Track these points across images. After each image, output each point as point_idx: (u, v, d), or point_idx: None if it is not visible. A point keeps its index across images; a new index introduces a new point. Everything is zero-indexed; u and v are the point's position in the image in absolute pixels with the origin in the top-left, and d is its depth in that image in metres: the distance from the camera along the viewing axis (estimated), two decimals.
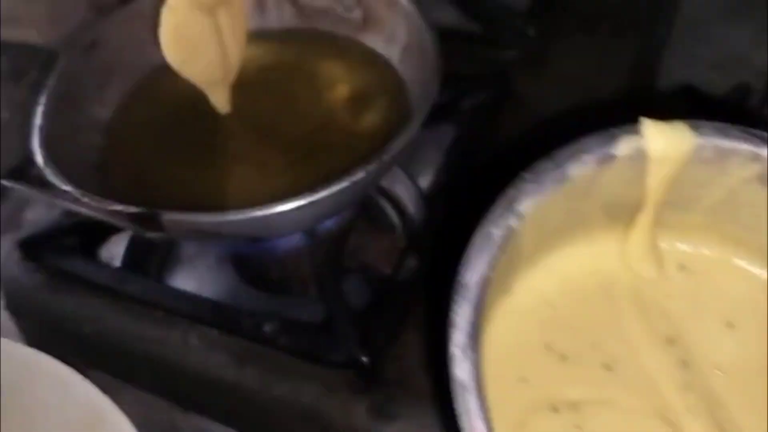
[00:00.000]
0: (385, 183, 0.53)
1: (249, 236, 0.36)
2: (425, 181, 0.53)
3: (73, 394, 0.31)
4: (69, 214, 0.45)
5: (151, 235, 0.35)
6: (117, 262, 0.49)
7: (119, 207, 0.33)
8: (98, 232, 0.45)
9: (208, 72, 0.41)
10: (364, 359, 0.35)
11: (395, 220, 0.53)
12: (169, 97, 0.45)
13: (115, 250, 0.51)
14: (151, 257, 0.53)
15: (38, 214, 0.61)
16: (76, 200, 0.34)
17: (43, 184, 0.39)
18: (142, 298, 0.40)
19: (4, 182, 0.32)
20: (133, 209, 0.33)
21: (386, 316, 0.37)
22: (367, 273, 0.45)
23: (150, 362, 0.39)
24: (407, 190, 0.52)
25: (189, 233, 0.34)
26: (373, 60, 0.46)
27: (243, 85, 0.46)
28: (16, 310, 0.44)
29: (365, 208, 0.50)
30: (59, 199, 0.34)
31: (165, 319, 0.39)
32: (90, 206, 0.33)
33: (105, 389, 0.48)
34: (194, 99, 0.45)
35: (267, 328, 0.37)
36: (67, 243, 0.43)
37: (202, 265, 0.54)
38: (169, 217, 0.32)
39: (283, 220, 0.34)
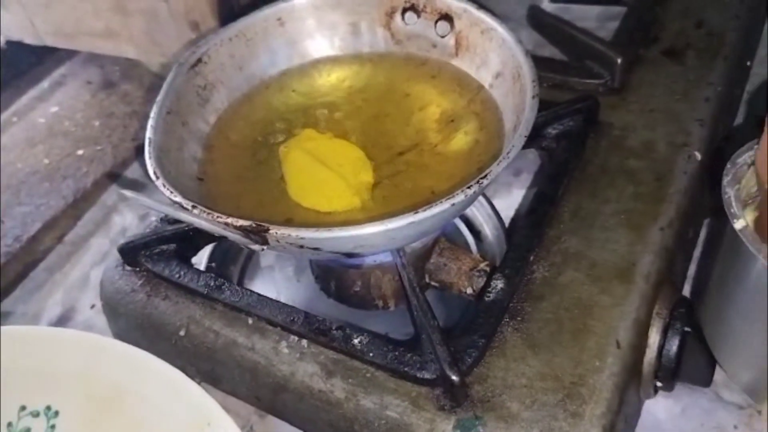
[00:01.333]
0: None
1: (346, 252, 0.37)
2: (501, 203, 0.54)
3: (181, 397, 0.33)
4: (166, 222, 0.48)
5: (254, 247, 0.36)
6: (200, 268, 0.52)
7: (229, 219, 0.35)
8: (194, 240, 0.47)
9: None
10: (454, 378, 0.35)
11: (469, 239, 0.54)
12: (264, 112, 0.48)
13: (198, 256, 0.53)
14: (232, 264, 0.55)
15: (126, 219, 0.65)
16: (187, 211, 0.35)
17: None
18: (236, 305, 0.42)
19: (128, 193, 0.34)
20: (242, 222, 0.34)
21: (473, 336, 0.37)
22: (444, 290, 0.46)
23: (240, 368, 0.41)
24: (482, 210, 0.53)
25: (291, 247, 0.36)
26: (463, 83, 0.47)
27: (335, 106, 0.48)
28: (112, 311, 0.47)
29: (449, 231, 0.51)
30: (172, 209, 0.36)
31: (257, 326, 0.41)
32: (200, 217, 0.35)
33: None
34: (289, 117, 0.48)
35: (357, 341, 0.38)
36: (164, 249, 0.46)
37: (281, 274, 0.56)
38: (276, 231, 0.34)
39: (383, 237, 0.35)
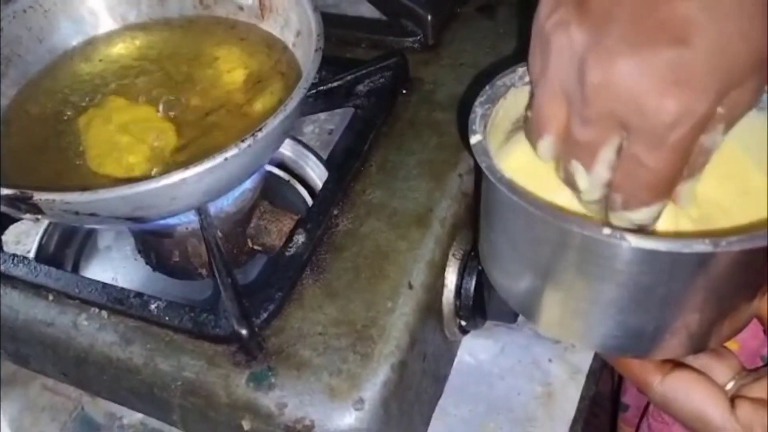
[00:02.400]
0: (299, 168, 0.54)
1: (128, 216, 0.36)
2: None
3: None
4: None
5: (31, 217, 0.35)
6: (30, 253, 0.50)
7: None
8: None
9: None
10: (243, 332, 0.35)
11: (310, 203, 0.54)
12: (66, 84, 0.46)
13: (28, 243, 0.52)
14: (66, 247, 0.54)
15: None
16: None
17: None
18: (33, 281, 0.40)
19: None
20: (5, 191, 0.33)
21: (270, 290, 0.38)
22: (268, 253, 0.46)
23: (42, 344, 0.40)
24: (319, 172, 0.53)
25: (67, 214, 0.35)
26: (271, 45, 0.47)
27: (143, 72, 0.47)
28: None
29: (276, 192, 0.51)
30: None
31: (57, 301, 0.40)
32: None
33: (15, 377, 0.49)
34: (94, 86, 0.46)
35: (153, 306, 0.38)
36: None
37: (119, 254, 0.54)
38: (41, 197, 0.33)
39: (160, 198, 0.35)
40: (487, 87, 0.34)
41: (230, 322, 0.36)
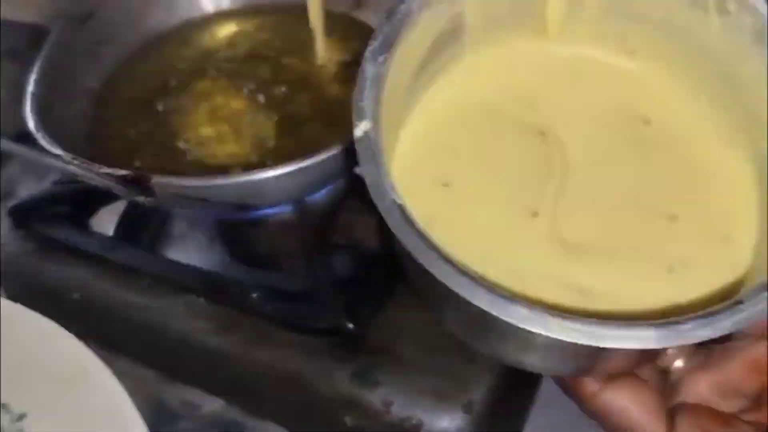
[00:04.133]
0: None
1: (236, 203, 0.36)
2: None
3: (54, 347, 0.32)
4: (60, 183, 0.46)
5: (141, 199, 0.35)
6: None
7: (109, 170, 0.33)
8: (88, 201, 0.45)
9: None
10: (350, 326, 0.35)
11: None
12: (159, 68, 0.46)
13: (106, 225, 0.51)
14: (142, 232, 0.53)
15: (30, 189, 0.62)
16: (68, 163, 0.34)
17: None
18: (130, 265, 0.40)
19: (5, 143, 0.32)
20: (122, 172, 0.33)
21: (372, 286, 0.37)
22: (357, 249, 0.46)
23: (136, 329, 0.40)
24: None
25: (177, 198, 0.35)
26: (366, 35, 0.46)
27: (236, 59, 0.46)
28: (5, 276, 0.45)
29: (358, 187, 0.51)
30: (52, 161, 0.34)
31: (152, 286, 0.40)
32: (81, 169, 0.34)
33: None
34: (187, 72, 0.46)
35: (253, 296, 0.38)
36: (57, 211, 0.44)
37: (194, 242, 0.54)
38: (158, 180, 0.33)
39: (268, 187, 0.34)
40: (382, 22, 0.26)
41: (335, 315, 0.35)
